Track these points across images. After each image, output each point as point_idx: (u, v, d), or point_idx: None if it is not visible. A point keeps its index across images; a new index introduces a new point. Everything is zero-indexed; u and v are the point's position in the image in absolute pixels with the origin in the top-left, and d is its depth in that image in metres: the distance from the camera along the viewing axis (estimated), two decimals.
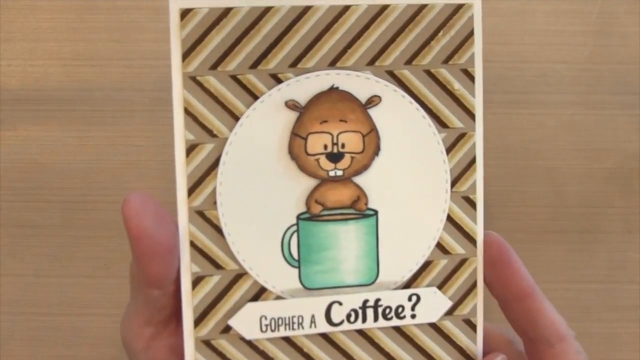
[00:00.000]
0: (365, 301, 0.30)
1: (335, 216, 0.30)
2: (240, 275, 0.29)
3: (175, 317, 0.30)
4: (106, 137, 0.47)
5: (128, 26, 0.46)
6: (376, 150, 0.30)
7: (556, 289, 0.49)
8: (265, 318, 0.30)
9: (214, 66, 0.28)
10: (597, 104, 0.48)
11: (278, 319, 0.30)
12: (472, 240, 0.31)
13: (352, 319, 0.30)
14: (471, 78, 0.30)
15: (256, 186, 0.29)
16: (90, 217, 0.47)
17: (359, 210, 0.30)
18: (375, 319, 0.30)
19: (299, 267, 0.30)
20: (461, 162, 0.31)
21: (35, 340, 0.48)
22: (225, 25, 0.28)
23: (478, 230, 0.31)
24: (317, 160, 0.29)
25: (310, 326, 0.30)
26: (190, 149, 0.28)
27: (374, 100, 0.30)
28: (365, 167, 0.30)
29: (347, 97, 0.29)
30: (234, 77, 0.28)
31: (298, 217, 0.30)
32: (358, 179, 0.30)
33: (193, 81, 0.28)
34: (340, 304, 0.30)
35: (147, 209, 0.27)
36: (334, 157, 0.30)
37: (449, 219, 0.31)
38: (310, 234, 0.30)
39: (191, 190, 0.29)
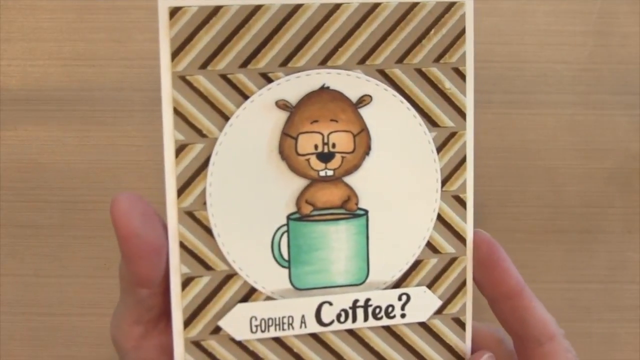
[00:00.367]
0: (356, 301, 0.30)
1: (325, 216, 0.30)
2: (230, 276, 0.29)
3: (165, 316, 0.30)
4: (106, 137, 0.47)
5: (128, 26, 0.46)
6: (367, 150, 0.30)
7: (556, 289, 0.49)
8: (256, 319, 0.30)
9: (204, 65, 0.28)
10: (597, 104, 0.48)
11: (268, 319, 0.30)
12: (462, 239, 0.31)
13: (342, 319, 0.30)
14: (462, 77, 0.30)
15: (246, 186, 0.29)
16: (90, 217, 0.47)
17: (350, 210, 0.30)
18: (366, 318, 0.30)
19: (289, 268, 0.30)
20: (452, 161, 0.31)
21: (35, 340, 0.48)
22: (215, 24, 0.28)
23: (468, 229, 0.31)
24: (308, 160, 0.29)
25: (301, 326, 0.30)
26: (180, 149, 0.28)
27: (364, 100, 0.29)
28: (356, 167, 0.30)
29: (338, 96, 0.29)
30: (224, 77, 0.28)
31: (288, 218, 0.29)
32: (348, 179, 0.30)
33: (182, 81, 0.28)
34: (331, 304, 0.30)
35: (135, 209, 0.27)
36: (325, 157, 0.29)
37: (439, 218, 0.31)
38: (301, 235, 0.30)
39: (181, 191, 0.28)
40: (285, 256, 0.30)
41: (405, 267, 0.31)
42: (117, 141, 0.47)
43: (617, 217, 0.49)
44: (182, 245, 0.29)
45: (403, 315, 0.31)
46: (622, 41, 0.47)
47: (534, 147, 0.48)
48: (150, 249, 0.27)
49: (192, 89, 0.28)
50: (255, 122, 0.29)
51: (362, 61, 0.29)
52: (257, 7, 0.28)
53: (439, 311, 0.31)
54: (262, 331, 0.30)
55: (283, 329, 0.30)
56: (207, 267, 0.29)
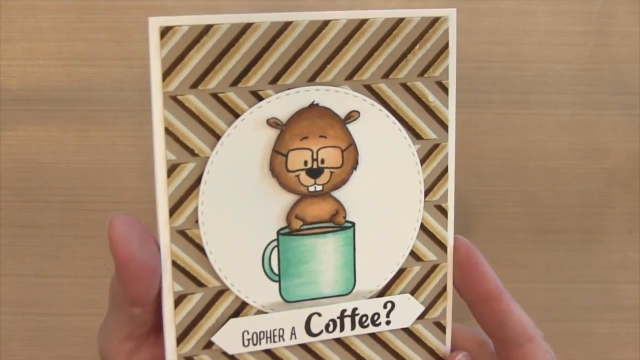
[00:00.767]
0: (343, 311, 0.31)
1: (314, 230, 0.30)
2: (222, 291, 0.30)
3: (155, 331, 0.30)
4: (106, 137, 0.47)
5: (128, 26, 0.46)
6: (354, 165, 0.30)
7: (556, 289, 0.49)
8: (248, 332, 0.30)
9: (195, 85, 0.28)
10: (597, 104, 0.48)
11: (260, 332, 0.30)
12: (443, 247, 0.32)
13: (331, 328, 0.31)
14: (445, 90, 0.31)
15: (238, 204, 0.29)
16: (90, 217, 0.47)
17: (338, 223, 0.30)
18: (353, 327, 0.31)
19: (279, 281, 0.30)
20: (434, 172, 0.31)
21: (35, 340, 0.49)
22: (206, 43, 0.28)
23: (449, 237, 0.32)
24: (298, 176, 0.30)
25: (291, 338, 0.31)
26: (172, 169, 0.28)
27: (352, 116, 0.30)
28: (344, 181, 0.30)
29: (326, 113, 0.29)
30: (215, 96, 0.28)
31: (278, 233, 0.30)
32: (337, 193, 0.30)
33: (174, 100, 0.28)
34: (320, 314, 0.31)
35: (132, 233, 0.27)
36: (314, 173, 0.30)
37: (422, 227, 0.32)
38: (290, 248, 0.30)
39: (172, 211, 0.28)
40: (276, 270, 0.30)
41: (390, 276, 0.32)
42: (117, 141, 0.47)
43: (617, 217, 0.49)
44: (175, 264, 0.29)
45: (388, 322, 0.32)
46: (622, 41, 0.47)
47: (534, 147, 0.48)
48: (147, 270, 0.28)
49: (183, 108, 0.28)
50: (247, 140, 0.29)
51: (350, 77, 0.29)
52: (248, 25, 0.28)
53: (422, 316, 0.32)
54: (254, 344, 0.30)
55: (274, 341, 0.30)
56: (199, 284, 0.29)
